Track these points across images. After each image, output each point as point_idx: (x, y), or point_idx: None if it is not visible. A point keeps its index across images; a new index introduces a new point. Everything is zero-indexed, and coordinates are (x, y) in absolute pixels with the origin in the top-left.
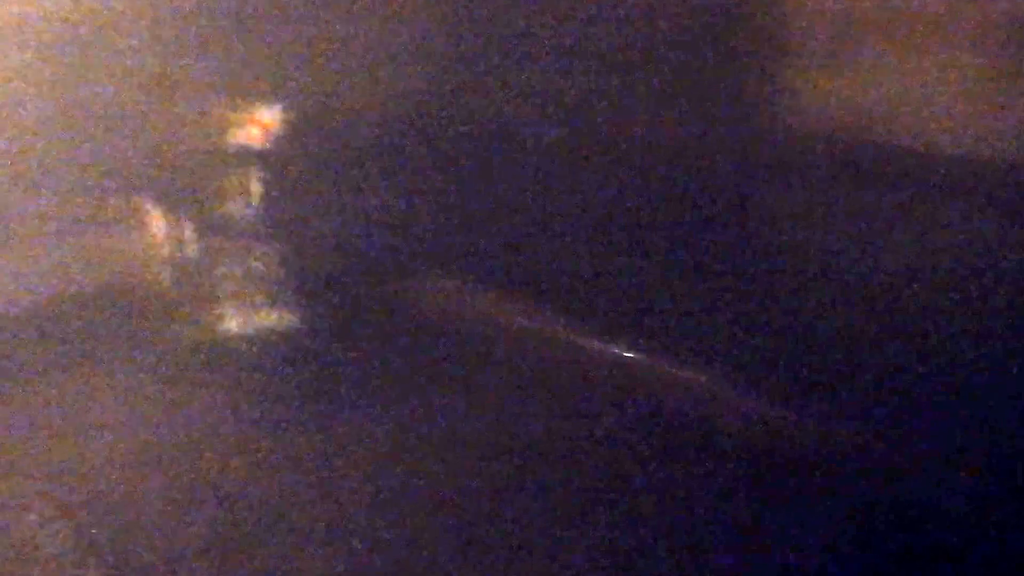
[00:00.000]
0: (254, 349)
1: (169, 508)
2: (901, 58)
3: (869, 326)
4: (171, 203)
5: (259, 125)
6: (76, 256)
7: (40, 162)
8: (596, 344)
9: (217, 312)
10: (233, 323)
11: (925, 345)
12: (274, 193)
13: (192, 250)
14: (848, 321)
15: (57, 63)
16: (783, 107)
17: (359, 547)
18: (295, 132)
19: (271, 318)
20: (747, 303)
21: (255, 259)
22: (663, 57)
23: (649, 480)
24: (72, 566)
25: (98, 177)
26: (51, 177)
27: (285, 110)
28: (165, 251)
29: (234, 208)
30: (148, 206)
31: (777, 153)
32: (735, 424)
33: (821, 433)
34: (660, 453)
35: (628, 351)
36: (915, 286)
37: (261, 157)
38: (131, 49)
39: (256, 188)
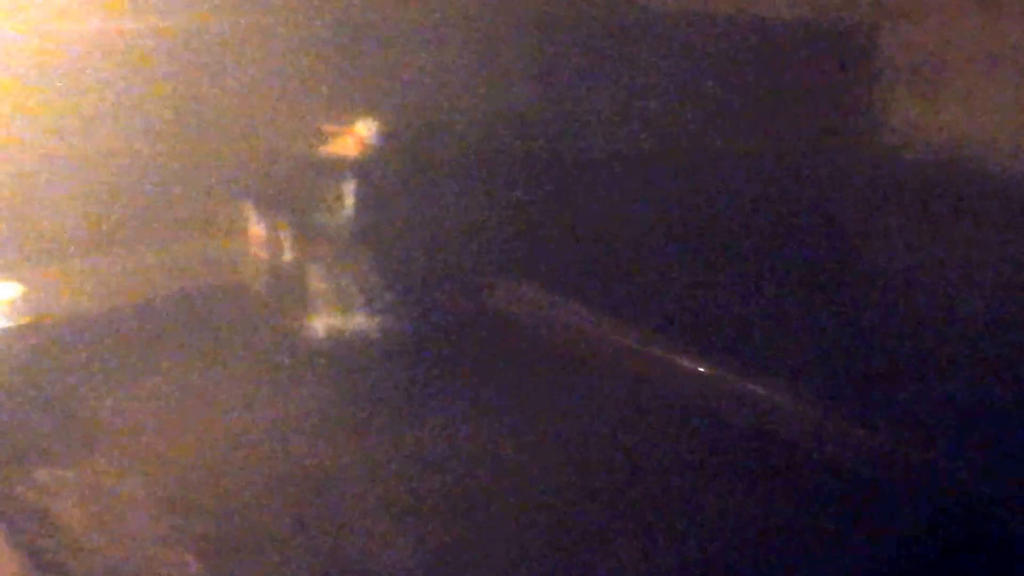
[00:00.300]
0: (342, 347)
1: (260, 491)
2: (998, 86)
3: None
4: (271, 210)
5: (355, 137)
6: (185, 257)
7: (155, 169)
8: (674, 357)
9: (309, 312)
10: (323, 322)
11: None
12: (367, 202)
13: (288, 254)
14: (942, 346)
15: (172, 78)
16: (883, 131)
17: (437, 531)
18: (389, 145)
19: (360, 319)
20: (838, 324)
21: (347, 263)
22: (764, 85)
23: (729, 494)
24: (170, 545)
25: (207, 185)
26: (164, 183)
27: (380, 124)
28: (264, 254)
29: (329, 215)
30: (251, 212)
31: (875, 176)
32: (828, 448)
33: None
34: (740, 469)
35: (704, 366)
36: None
37: (356, 168)
38: (239, 66)
39: (350, 197)
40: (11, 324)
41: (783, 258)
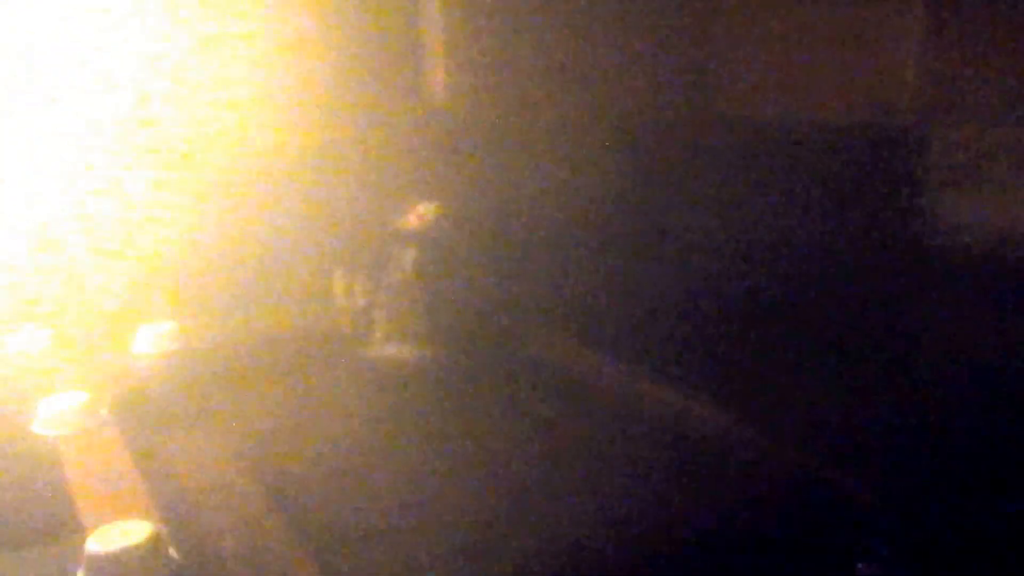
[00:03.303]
0: (401, 371)
1: (331, 485)
2: None
3: None
4: (351, 268)
5: (417, 215)
6: (292, 306)
7: (274, 242)
8: (702, 411)
9: (377, 344)
10: (387, 353)
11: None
12: (425, 264)
13: (362, 301)
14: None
15: (298, 181)
16: (928, 224)
17: (463, 536)
18: (444, 221)
19: (417, 353)
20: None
21: (406, 310)
22: (821, 180)
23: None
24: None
25: (308, 252)
26: (283, 253)
27: (438, 205)
28: (343, 302)
29: (394, 273)
30: (336, 271)
31: (919, 264)
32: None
33: None
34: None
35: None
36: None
37: (417, 237)
38: (339, 170)
39: (411, 259)
40: (165, 350)
41: (820, 336)
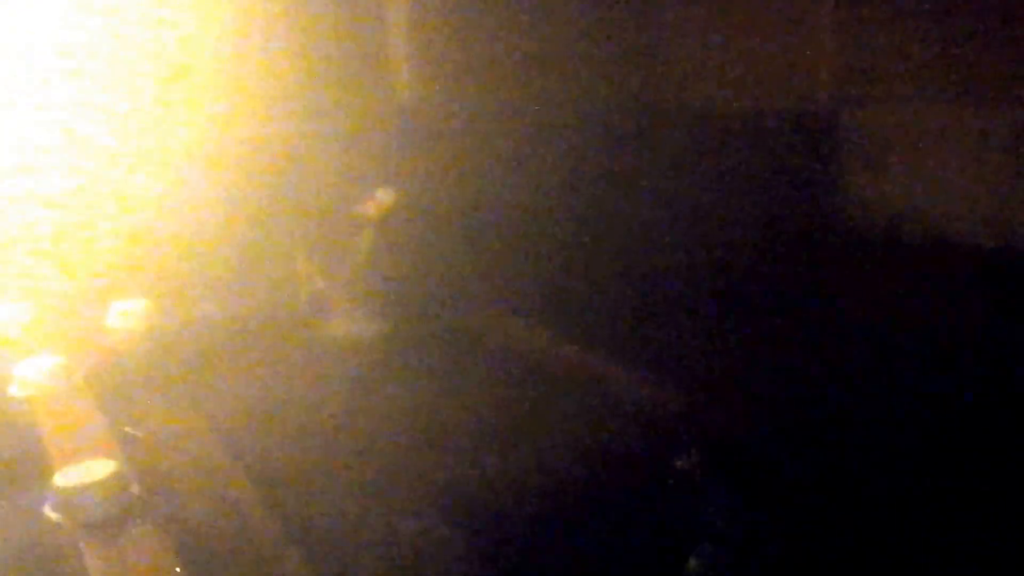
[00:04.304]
0: (355, 344)
1: (300, 442)
2: (932, 162)
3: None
4: (312, 252)
5: (374, 202)
6: (260, 287)
7: (248, 230)
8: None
9: (333, 320)
10: (343, 328)
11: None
12: (379, 246)
13: (321, 282)
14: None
15: (269, 173)
16: (843, 196)
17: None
18: (397, 207)
19: (368, 326)
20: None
21: (360, 289)
22: (753, 160)
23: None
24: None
25: (273, 239)
26: (255, 239)
27: (394, 193)
28: (304, 283)
29: (350, 256)
30: (298, 255)
31: (835, 233)
32: None
33: None
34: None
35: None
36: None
37: (373, 223)
38: (307, 163)
39: (367, 242)
40: (137, 327)
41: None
